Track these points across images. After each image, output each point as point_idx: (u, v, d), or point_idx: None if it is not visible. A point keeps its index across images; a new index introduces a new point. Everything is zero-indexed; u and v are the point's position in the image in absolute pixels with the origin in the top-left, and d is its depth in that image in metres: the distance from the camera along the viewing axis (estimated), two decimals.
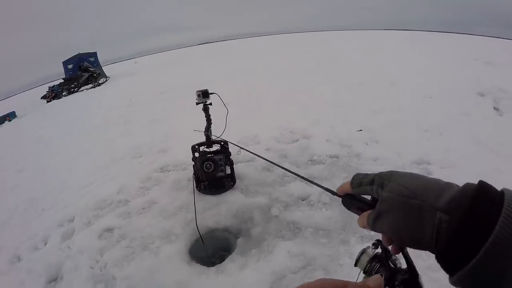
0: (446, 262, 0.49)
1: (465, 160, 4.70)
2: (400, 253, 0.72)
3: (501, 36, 19.70)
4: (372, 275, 0.66)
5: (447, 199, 0.52)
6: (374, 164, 4.96)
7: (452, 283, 0.48)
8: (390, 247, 0.70)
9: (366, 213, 0.67)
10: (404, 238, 0.57)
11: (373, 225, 0.64)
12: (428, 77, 9.46)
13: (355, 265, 0.76)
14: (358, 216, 0.71)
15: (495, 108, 6.77)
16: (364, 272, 0.76)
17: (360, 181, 0.68)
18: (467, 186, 0.53)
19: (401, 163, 4.88)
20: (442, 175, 4.51)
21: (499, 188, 0.51)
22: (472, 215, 0.47)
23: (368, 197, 0.72)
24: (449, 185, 0.56)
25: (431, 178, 0.60)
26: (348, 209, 0.76)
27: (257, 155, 1.59)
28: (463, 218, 0.47)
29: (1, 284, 3.90)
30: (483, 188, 0.50)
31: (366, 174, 0.69)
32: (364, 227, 0.68)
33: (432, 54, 13.89)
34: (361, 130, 6.08)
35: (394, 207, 0.58)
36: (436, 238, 0.51)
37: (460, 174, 4.26)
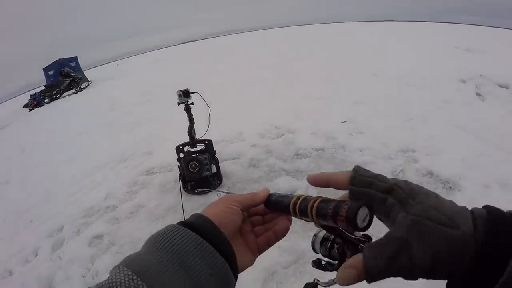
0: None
1: (450, 146, 4.77)
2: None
3: (483, 24, 19.93)
4: (332, 253, 0.59)
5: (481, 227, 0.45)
6: (360, 154, 4.99)
7: None
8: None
9: (356, 257, 0.49)
10: (442, 272, 0.45)
11: (389, 263, 0.45)
12: (410, 66, 9.57)
13: (314, 250, 0.67)
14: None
15: (477, 94, 6.88)
16: (325, 256, 0.65)
17: (370, 181, 0.52)
18: (492, 212, 0.46)
19: (387, 152, 4.92)
20: (427, 162, 4.64)
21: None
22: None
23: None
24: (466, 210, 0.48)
25: (449, 200, 0.49)
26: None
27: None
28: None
29: None
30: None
31: (379, 176, 0.53)
32: (354, 281, 0.48)
33: (413, 44, 14.04)
34: (345, 121, 6.12)
35: (432, 237, 0.44)
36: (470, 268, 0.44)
37: (445, 161, 4.32)
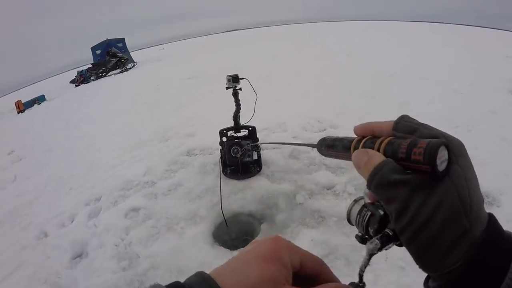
0: None
1: (493, 159, 4.56)
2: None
3: None
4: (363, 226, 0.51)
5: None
6: None
7: None
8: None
9: (377, 154, 0.48)
10: (423, 246, 0.42)
11: (381, 181, 0.44)
12: (458, 71, 9.23)
13: (348, 221, 0.57)
14: None
15: None
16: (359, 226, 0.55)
17: (415, 128, 0.48)
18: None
19: None
20: None
21: None
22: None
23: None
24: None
25: (481, 193, 0.46)
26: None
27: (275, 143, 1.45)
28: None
29: (28, 258, 4.00)
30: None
31: (426, 125, 0.48)
32: (358, 167, 0.49)
33: (462, 48, 13.54)
34: None
35: (443, 205, 0.41)
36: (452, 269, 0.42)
37: (488, 173, 4.16)
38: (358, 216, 0.51)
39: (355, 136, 0.56)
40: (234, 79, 4.21)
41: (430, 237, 0.41)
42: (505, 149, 4.81)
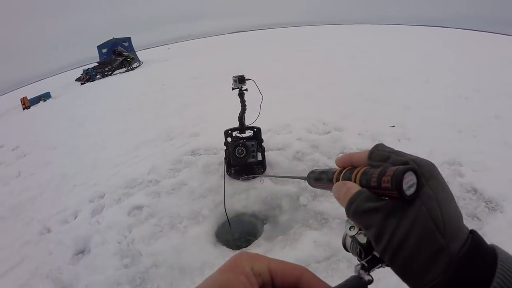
0: None
1: (498, 165, 4.54)
2: None
3: None
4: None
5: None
6: None
7: None
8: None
9: (353, 185, 0.52)
10: (403, 265, 0.45)
11: (357, 210, 0.48)
12: (462, 76, 9.20)
13: (344, 247, 0.58)
14: None
15: None
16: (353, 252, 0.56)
17: (387, 156, 0.51)
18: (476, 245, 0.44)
19: (433, 162, 4.74)
20: (472, 178, 4.45)
21: None
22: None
23: None
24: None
25: (458, 210, 0.47)
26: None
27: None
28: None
29: (31, 253, 4.01)
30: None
31: (397, 152, 0.51)
32: (338, 199, 0.54)
33: (467, 53, 13.53)
34: (393, 126, 5.98)
35: (415, 226, 0.43)
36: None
37: (491, 179, 4.15)
38: (352, 243, 0.54)
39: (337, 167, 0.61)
40: (240, 80, 4.22)
41: (407, 257, 0.44)
42: (509, 154, 4.80)
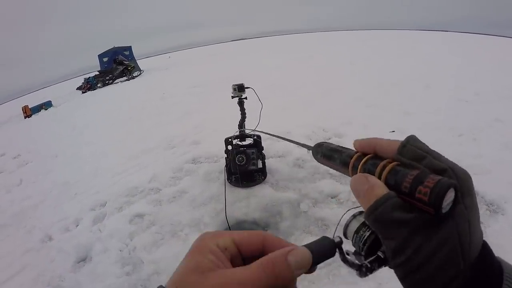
0: None
1: (498, 168, 4.55)
2: None
3: None
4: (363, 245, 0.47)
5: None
6: None
7: None
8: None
9: (378, 183, 0.44)
10: (415, 284, 0.41)
11: (381, 218, 0.42)
12: (463, 80, 9.21)
13: (345, 235, 0.51)
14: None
15: None
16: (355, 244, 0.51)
17: (422, 155, 0.44)
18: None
19: None
20: (474, 182, 4.40)
21: None
22: None
23: None
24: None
25: (481, 229, 0.44)
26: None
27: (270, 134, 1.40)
28: None
29: (32, 260, 4.02)
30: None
31: (434, 153, 0.45)
32: (357, 195, 0.46)
33: (467, 56, 13.53)
34: (393, 131, 5.98)
35: (443, 248, 0.39)
36: None
37: (492, 182, 4.15)
38: (356, 235, 0.48)
39: (354, 149, 0.54)
40: (240, 88, 4.24)
41: (423, 279, 0.40)
42: (510, 157, 4.80)
